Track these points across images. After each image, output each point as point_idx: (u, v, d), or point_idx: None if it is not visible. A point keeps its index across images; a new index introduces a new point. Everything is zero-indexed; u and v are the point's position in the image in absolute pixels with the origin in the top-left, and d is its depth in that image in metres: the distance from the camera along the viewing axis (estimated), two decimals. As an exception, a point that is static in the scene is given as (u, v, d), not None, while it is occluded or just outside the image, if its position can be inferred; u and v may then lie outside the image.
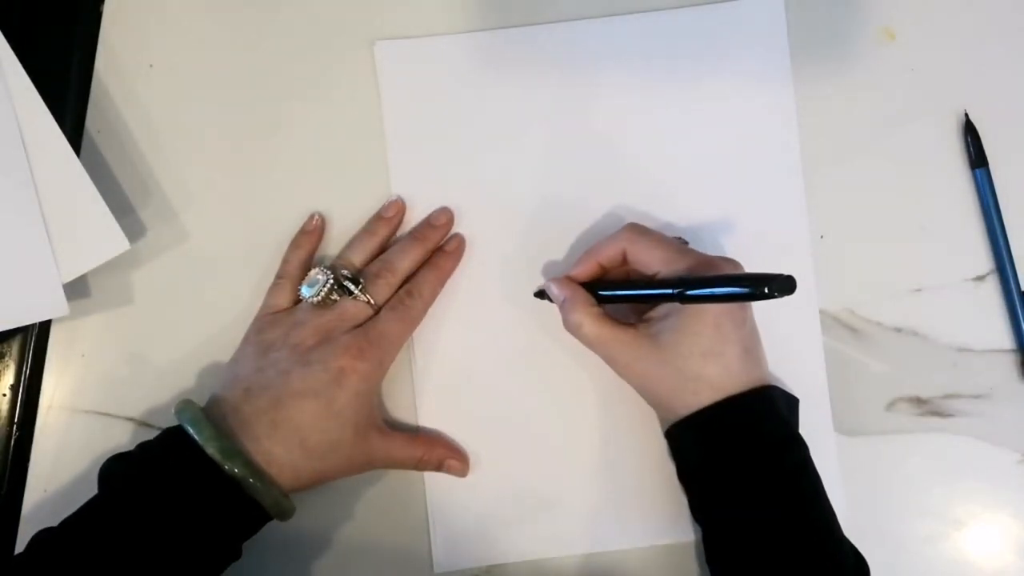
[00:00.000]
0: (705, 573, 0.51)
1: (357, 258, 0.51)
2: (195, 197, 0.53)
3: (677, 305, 0.44)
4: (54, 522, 0.43)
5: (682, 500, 0.47)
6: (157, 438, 0.45)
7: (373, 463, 0.49)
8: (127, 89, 0.53)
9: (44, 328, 0.52)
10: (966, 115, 0.53)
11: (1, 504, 0.51)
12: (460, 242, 0.52)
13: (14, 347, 0.52)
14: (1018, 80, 0.53)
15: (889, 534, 0.51)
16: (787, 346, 0.50)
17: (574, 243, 0.53)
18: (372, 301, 0.48)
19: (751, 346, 0.45)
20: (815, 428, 0.48)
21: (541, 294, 0.50)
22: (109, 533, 0.42)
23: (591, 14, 0.53)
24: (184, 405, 0.45)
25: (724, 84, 0.53)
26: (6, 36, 0.49)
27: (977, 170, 0.52)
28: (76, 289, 0.51)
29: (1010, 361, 0.52)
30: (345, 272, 0.49)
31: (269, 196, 0.53)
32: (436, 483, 0.51)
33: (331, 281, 0.48)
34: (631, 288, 0.47)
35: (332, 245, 0.53)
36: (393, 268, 0.50)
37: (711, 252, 0.48)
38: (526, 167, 0.53)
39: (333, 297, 0.48)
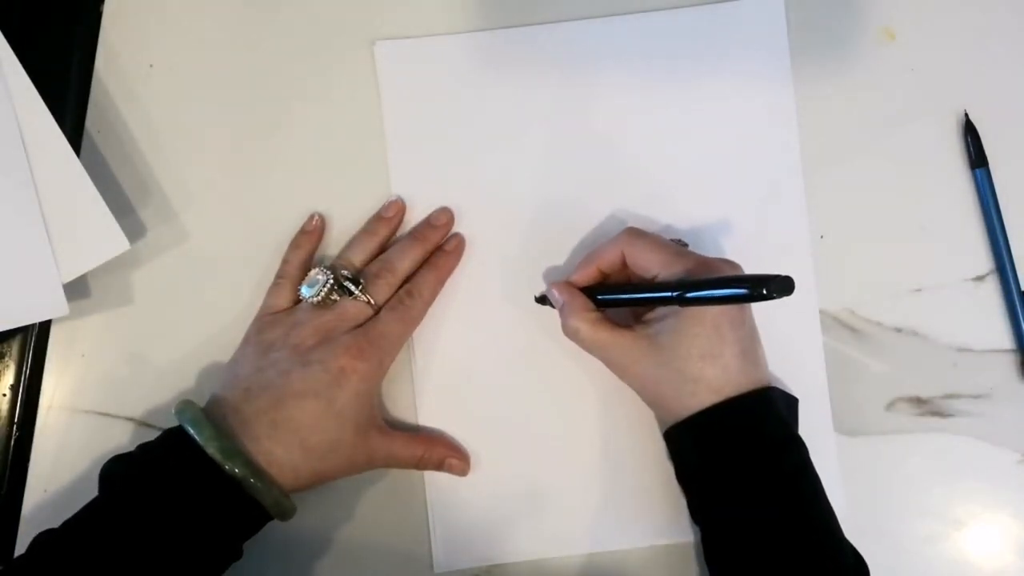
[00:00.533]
0: (705, 573, 0.51)
1: (357, 258, 0.51)
2: (195, 197, 0.53)
3: (676, 307, 0.44)
4: (54, 522, 0.43)
5: (682, 500, 0.47)
6: (157, 439, 0.45)
7: (374, 463, 0.49)
8: (127, 89, 0.53)
9: (44, 328, 0.52)
10: (966, 115, 0.53)
11: (1, 504, 0.51)
12: (460, 242, 0.52)
13: (14, 347, 0.52)
14: (1018, 80, 0.53)
15: (889, 534, 0.51)
16: (787, 346, 0.50)
17: (574, 243, 0.53)
18: (372, 301, 0.48)
19: (750, 347, 0.45)
20: (815, 428, 0.48)
21: (543, 299, 0.50)
22: (111, 534, 0.42)
23: (591, 14, 0.53)
24: (184, 405, 0.45)
25: (724, 84, 0.53)
26: (6, 36, 0.49)
27: (977, 170, 0.52)
28: (76, 289, 0.51)
29: (1010, 361, 0.52)
30: (345, 272, 0.49)
31: (269, 196, 0.53)
32: (436, 483, 0.51)
33: (331, 281, 0.48)
34: (630, 291, 0.47)
35: (332, 245, 0.53)
36: (393, 268, 0.50)
37: (711, 253, 0.48)
38: (526, 167, 0.53)
39: (333, 297, 0.48)
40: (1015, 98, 0.53)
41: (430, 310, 0.51)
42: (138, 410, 0.52)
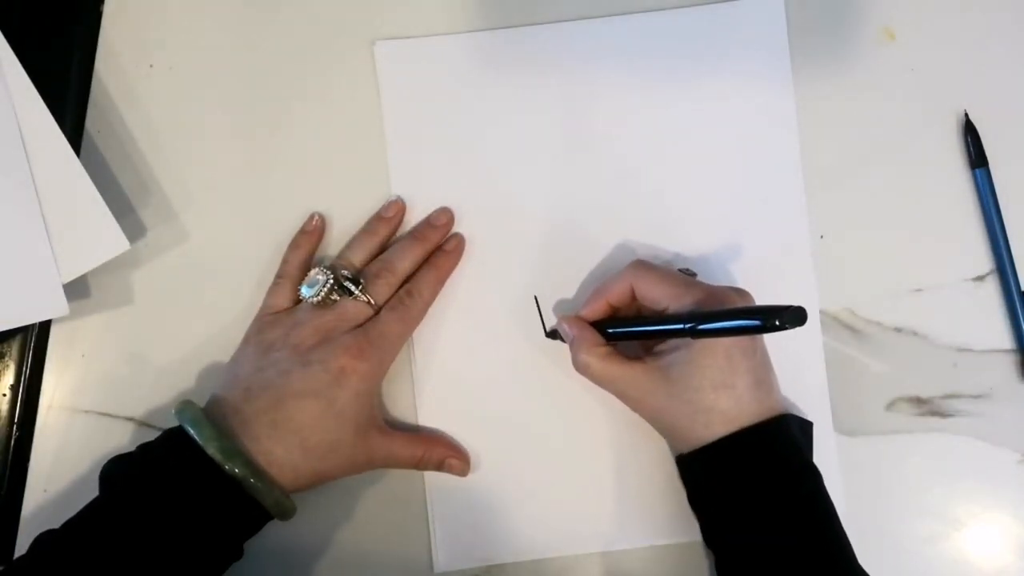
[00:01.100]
0: (704, 573, 0.51)
1: (357, 258, 0.51)
2: (195, 197, 0.53)
3: (687, 339, 0.44)
4: (54, 523, 0.43)
5: (682, 500, 0.47)
6: (157, 439, 0.45)
7: (374, 463, 0.49)
8: (127, 89, 0.53)
9: (44, 328, 0.52)
10: (966, 115, 0.53)
11: (1, 504, 0.51)
12: (460, 242, 0.52)
13: (14, 347, 0.52)
14: (1018, 80, 0.53)
15: (889, 534, 0.51)
16: (787, 346, 0.50)
17: (574, 242, 0.52)
18: (372, 301, 0.48)
19: (763, 375, 0.45)
20: (815, 428, 0.48)
21: (554, 334, 0.50)
22: (111, 534, 0.42)
23: (591, 14, 0.53)
24: (184, 406, 0.45)
25: (724, 84, 0.53)
26: (6, 36, 0.49)
27: (977, 170, 0.52)
28: (76, 289, 0.51)
29: (1010, 361, 0.52)
30: (345, 272, 0.49)
31: (269, 196, 0.53)
32: (436, 483, 0.51)
33: (331, 281, 0.48)
34: (641, 324, 0.47)
35: (332, 245, 0.53)
36: (393, 268, 0.50)
37: (710, 253, 0.48)
38: (526, 166, 0.53)
39: (333, 297, 0.48)
40: (1015, 98, 0.53)
41: (430, 310, 0.51)
42: (138, 410, 0.52)
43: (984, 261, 0.52)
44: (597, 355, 0.47)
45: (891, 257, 0.53)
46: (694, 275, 0.49)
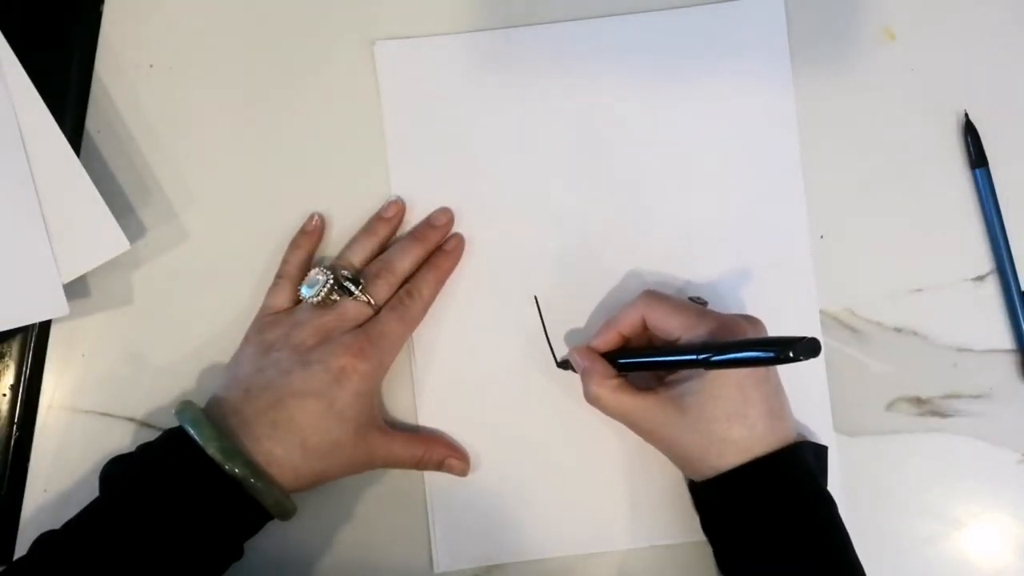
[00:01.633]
0: (705, 573, 0.51)
1: (357, 258, 0.51)
2: (195, 197, 0.53)
3: (699, 369, 0.44)
4: (54, 523, 0.43)
5: (682, 500, 0.47)
6: (158, 439, 0.45)
7: (374, 463, 0.49)
8: (127, 89, 0.53)
9: (44, 328, 0.52)
10: (966, 115, 0.53)
11: (1, 504, 0.51)
12: (460, 242, 0.52)
13: (14, 347, 0.52)
14: (1018, 80, 0.53)
15: (889, 534, 0.51)
16: (787, 346, 0.50)
17: (573, 241, 0.52)
18: (372, 301, 0.48)
19: (776, 404, 0.45)
20: (815, 428, 0.48)
21: (565, 364, 0.50)
22: (112, 534, 0.42)
23: (591, 14, 0.53)
24: (184, 406, 0.45)
25: (724, 84, 0.53)
26: (6, 36, 0.49)
27: (977, 170, 0.52)
28: (76, 289, 0.51)
29: (1010, 361, 0.52)
30: (345, 272, 0.49)
31: (269, 196, 0.53)
32: (436, 483, 0.51)
33: (331, 281, 0.48)
34: (653, 355, 0.47)
35: (332, 245, 0.53)
36: (393, 268, 0.50)
37: (710, 254, 0.48)
38: (526, 166, 0.53)
39: (333, 297, 0.48)
40: (1015, 98, 0.53)
41: (430, 310, 0.51)
42: (138, 410, 0.52)
43: (984, 261, 0.52)
44: (608, 387, 0.46)
45: (891, 257, 0.53)
46: (705, 303, 0.48)
